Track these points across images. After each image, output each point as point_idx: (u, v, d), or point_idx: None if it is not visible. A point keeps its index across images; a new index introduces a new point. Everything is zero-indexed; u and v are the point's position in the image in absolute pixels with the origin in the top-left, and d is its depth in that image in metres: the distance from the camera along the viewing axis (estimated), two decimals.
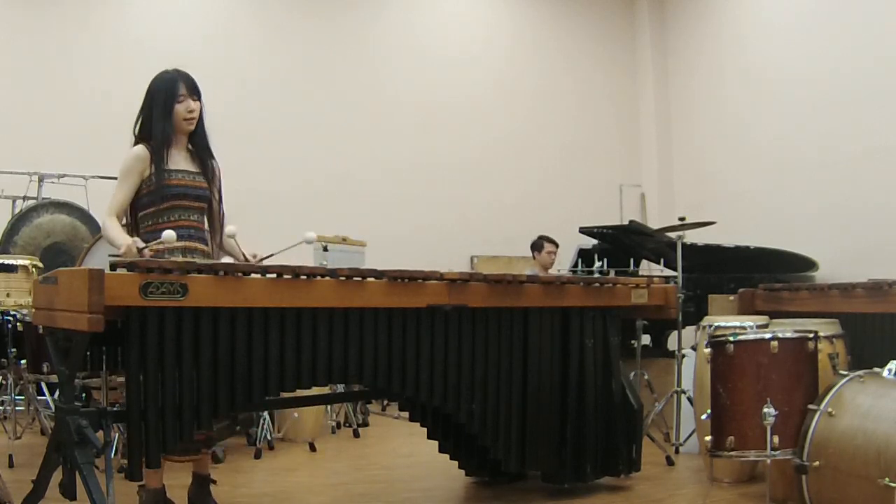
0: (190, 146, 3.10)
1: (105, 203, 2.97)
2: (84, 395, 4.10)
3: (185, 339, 2.55)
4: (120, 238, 2.81)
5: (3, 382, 4.61)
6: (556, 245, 6.41)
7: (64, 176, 5.86)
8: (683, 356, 4.55)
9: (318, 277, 2.77)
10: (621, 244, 6.13)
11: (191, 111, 3.03)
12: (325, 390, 4.10)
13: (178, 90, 3.02)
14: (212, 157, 3.13)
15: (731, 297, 4.76)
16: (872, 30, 6.41)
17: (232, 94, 7.15)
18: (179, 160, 3.05)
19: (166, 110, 3.01)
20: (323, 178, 7.40)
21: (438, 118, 8.01)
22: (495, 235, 7.99)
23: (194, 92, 3.06)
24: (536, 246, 6.43)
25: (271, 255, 3.10)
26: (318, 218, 6.52)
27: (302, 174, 7.27)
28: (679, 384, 4.50)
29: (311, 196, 7.21)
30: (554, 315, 3.44)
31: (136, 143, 3.03)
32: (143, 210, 2.99)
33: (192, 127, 3.06)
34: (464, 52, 8.24)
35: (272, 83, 7.41)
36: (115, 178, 3.00)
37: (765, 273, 5.57)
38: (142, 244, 2.76)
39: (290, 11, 7.62)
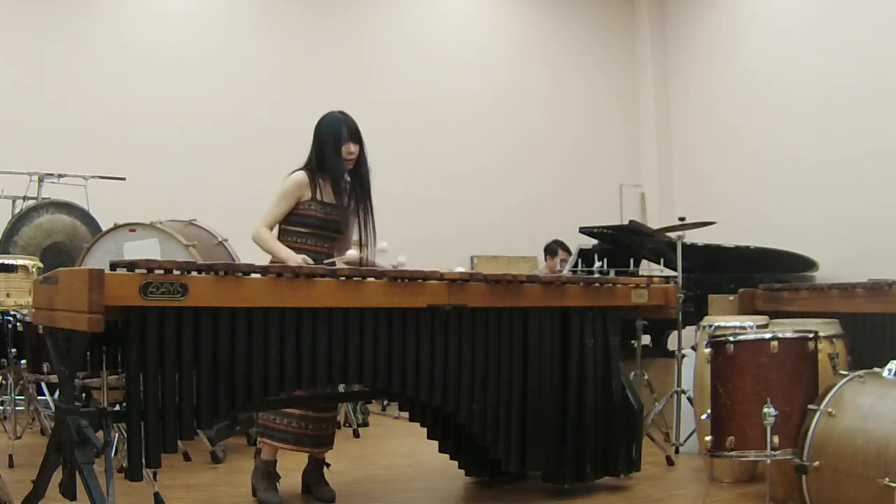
0: (348, 180, 3.51)
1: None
2: (84, 395, 4.09)
3: (185, 339, 2.56)
4: (291, 256, 3.21)
5: (3, 382, 4.60)
6: (570, 253, 6.43)
7: (64, 176, 5.85)
8: (683, 356, 4.55)
9: (318, 277, 2.78)
10: (621, 244, 6.12)
11: (350, 153, 3.45)
12: None
13: (343, 134, 3.43)
14: (367, 194, 3.58)
15: (731, 297, 4.76)
16: (872, 30, 6.41)
17: (230, 95, 7.16)
18: (332, 194, 3.46)
19: (336, 151, 3.43)
20: None
21: (439, 120, 8.01)
22: (495, 235, 7.98)
23: (355, 135, 3.46)
24: (551, 250, 6.44)
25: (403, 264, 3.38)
26: None
27: None
28: (679, 384, 4.50)
29: None
30: (554, 315, 3.44)
31: (300, 169, 3.46)
32: (292, 226, 3.42)
33: (351, 166, 3.49)
34: (465, 55, 8.24)
35: (272, 84, 7.41)
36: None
37: (765, 273, 5.56)
38: (311, 261, 3.14)
39: (290, 12, 7.61)
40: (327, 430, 3.48)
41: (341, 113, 3.50)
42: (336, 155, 3.42)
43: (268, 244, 3.34)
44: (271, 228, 3.39)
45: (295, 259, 3.18)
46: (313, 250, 3.37)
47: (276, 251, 3.30)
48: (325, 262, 3.23)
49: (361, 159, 3.52)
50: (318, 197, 3.41)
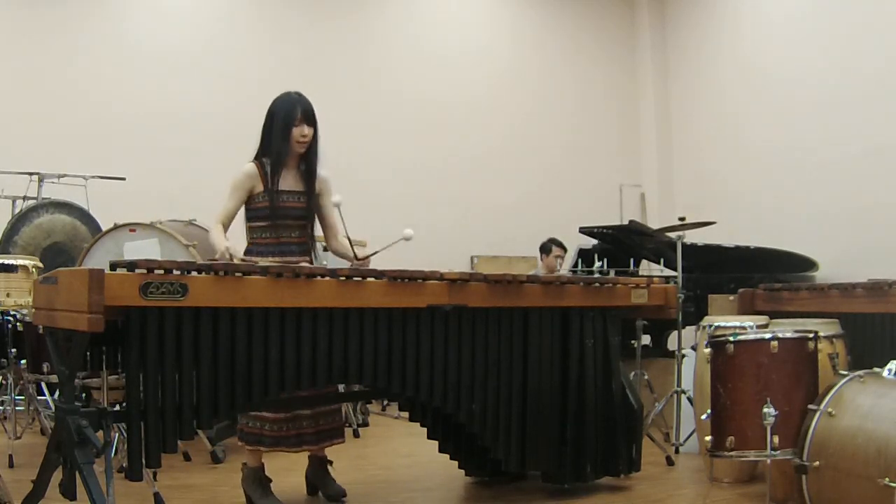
0: (302, 166, 3.35)
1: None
2: (84, 395, 4.09)
3: (185, 339, 2.56)
4: (218, 243, 3.06)
5: (3, 382, 4.60)
6: (565, 250, 6.42)
7: (64, 176, 5.85)
8: (683, 356, 4.55)
9: (318, 277, 2.78)
10: (621, 244, 6.12)
11: (304, 135, 3.26)
12: None
13: (295, 114, 3.24)
14: (317, 177, 3.36)
15: (731, 297, 4.76)
16: (872, 31, 6.41)
17: (231, 95, 7.15)
18: (289, 180, 3.30)
19: (284, 132, 3.25)
20: None
21: (438, 118, 8.01)
22: (495, 235, 7.98)
23: (309, 118, 3.28)
24: (545, 248, 6.43)
25: (375, 253, 3.31)
26: None
27: None
28: (679, 384, 4.50)
29: None
30: (554, 315, 3.44)
31: (254, 159, 3.32)
32: (250, 222, 3.31)
33: (304, 150, 3.31)
34: (464, 52, 8.24)
35: (272, 83, 7.37)
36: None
37: (765, 273, 5.56)
38: (235, 251, 3.00)
39: (290, 11, 7.62)
40: (311, 427, 3.32)
41: (296, 93, 3.32)
42: (284, 137, 3.24)
43: (210, 238, 3.19)
44: (225, 224, 3.21)
45: (220, 247, 3.02)
46: (279, 242, 3.25)
47: (213, 243, 3.14)
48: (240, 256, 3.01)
49: (313, 145, 3.34)
50: (270, 186, 3.23)
